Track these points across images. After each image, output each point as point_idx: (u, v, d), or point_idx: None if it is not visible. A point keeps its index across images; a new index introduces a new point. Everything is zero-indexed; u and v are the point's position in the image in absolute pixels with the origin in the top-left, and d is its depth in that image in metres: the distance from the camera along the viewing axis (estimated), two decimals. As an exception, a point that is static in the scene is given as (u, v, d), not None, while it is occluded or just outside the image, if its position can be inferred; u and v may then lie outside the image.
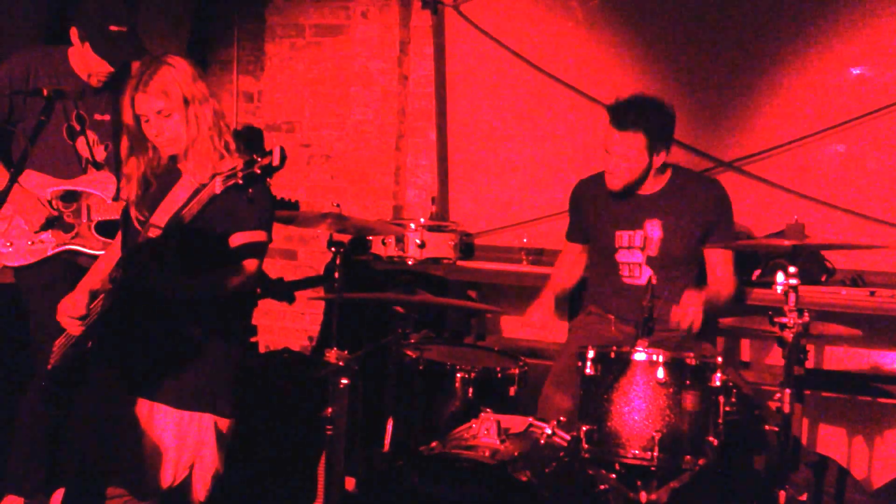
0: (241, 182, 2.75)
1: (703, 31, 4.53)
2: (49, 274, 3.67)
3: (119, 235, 3.22)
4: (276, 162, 2.72)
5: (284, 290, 4.85)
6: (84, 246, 3.70)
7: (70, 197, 3.71)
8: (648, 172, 3.65)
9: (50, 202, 3.67)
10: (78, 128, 3.72)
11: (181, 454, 2.99)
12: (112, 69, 3.63)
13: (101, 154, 3.77)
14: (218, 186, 2.80)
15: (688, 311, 3.43)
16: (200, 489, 3.05)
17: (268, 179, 2.82)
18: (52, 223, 3.64)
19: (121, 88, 3.04)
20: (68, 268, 3.68)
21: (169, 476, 2.98)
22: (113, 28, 3.55)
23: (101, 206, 3.72)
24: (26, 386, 3.75)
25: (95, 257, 3.58)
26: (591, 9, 4.75)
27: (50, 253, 3.68)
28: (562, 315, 4.38)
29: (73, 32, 3.61)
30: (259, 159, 2.73)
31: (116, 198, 3.67)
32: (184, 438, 2.98)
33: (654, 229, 3.68)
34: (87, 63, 3.63)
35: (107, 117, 3.75)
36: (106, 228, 3.70)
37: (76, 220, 3.71)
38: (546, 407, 3.54)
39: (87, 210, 3.71)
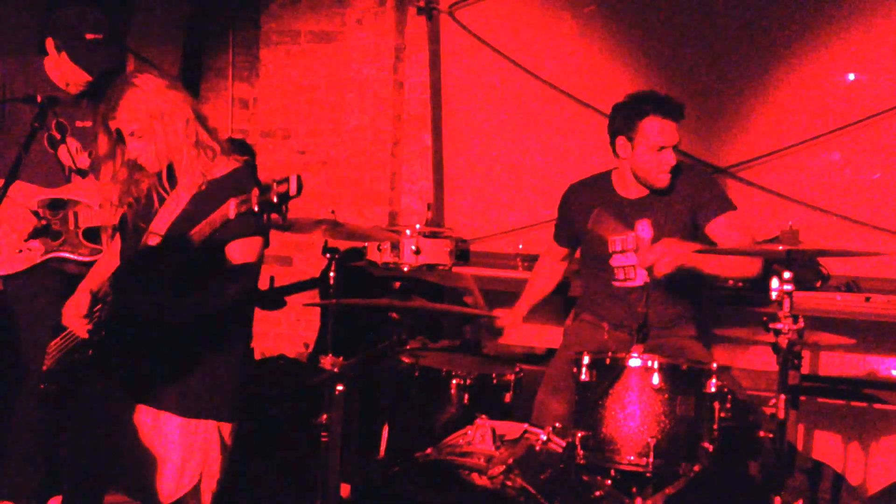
0: (255, 209, 2.73)
1: (698, 37, 4.54)
2: (37, 282, 3.67)
3: (117, 238, 3.22)
4: (293, 191, 2.68)
5: (279, 297, 4.85)
6: (72, 253, 3.69)
7: (56, 205, 3.70)
8: None
9: (36, 212, 3.66)
10: (58, 136, 3.71)
11: (187, 463, 2.98)
12: (90, 77, 3.62)
13: (84, 161, 3.76)
14: (232, 211, 2.78)
15: (654, 249, 3.36)
16: (206, 496, 3.05)
17: (283, 207, 2.78)
18: (39, 232, 3.64)
19: (102, 94, 3.05)
20: (56, 276, 3.68)
21: (174, 486, 2.97)
22: (89, 36, 3.54)
23: (88, 214, 3.71)
24: (19, 392, 3.75)
25: (84, 264, 3.59)
26: (586, 15, 4.76)
27: (38, 261, 3.67)
28: (557, 320, 4.39)
29: (49, 43, 3.61)
30: (275, 186, 2.70)
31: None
32: (190, 447, 2.98)
33: (644, 229, 3.66)
34: (64, 72, 3.62)
35: (88, 123, 3.73)
36: (93, 235, 3.70)
37: (63, 227, 3.70)
38: (541, 412, 3.53)
39: (75, 217, 3.70)
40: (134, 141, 2.98)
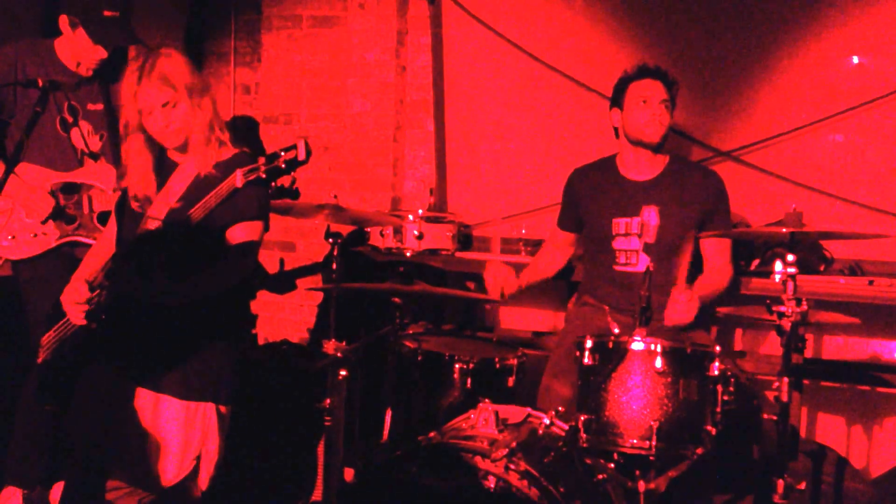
0: (263, 176, 2.71)
1: (701, 20, 4.52)
2: (49, 267, 3.67)
3: (112, 224, 3.21)
4: (301, 156, 2.65)
5: (283, 282, 4.85)
6: (87, 237, 3.69)
7: (70, 189, 3.71)
8: (667, 135, 3.71)
9: (53, 192, 3.67)
10: (71, 119, 3.72)
11: (188, 446, 2.99)
12: (105, 55, 3.63)
13: (96, 144, 3.77)
14: (239, 180, 2.76)
15: (678, 309, 3.44)
16: (203, 478, 3.06)
17: (292, 174, 2.75)
18: (56, 215, 3.65)
19: (112, 76, 3.04)
20: (67, 260, 3.67)
21: (175, 470, 2.98)
22: (106, 13, 3.55)
23: (102, 197, 3.72)
24: (26, 378, 3.75)
25: None
26: (590, -2, 4.74)
27: (53, 245, 3.68)
28: (560, 305, 4.39)
29: (64, 20, 3.61)
30: (283, 153, 2.67)
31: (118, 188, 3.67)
32: (190, 429, 2.99)
33: (651, 216, 3.69)
34: (78, 51, 3.63)
35: (99, 106, 3.75)
36: (108, 219, 3.70)
37: (78, 211, 3.71)
38: (546, 398, 3.53)
39: (89, 201, 3.71)
40: (166, 111, 2.95)
